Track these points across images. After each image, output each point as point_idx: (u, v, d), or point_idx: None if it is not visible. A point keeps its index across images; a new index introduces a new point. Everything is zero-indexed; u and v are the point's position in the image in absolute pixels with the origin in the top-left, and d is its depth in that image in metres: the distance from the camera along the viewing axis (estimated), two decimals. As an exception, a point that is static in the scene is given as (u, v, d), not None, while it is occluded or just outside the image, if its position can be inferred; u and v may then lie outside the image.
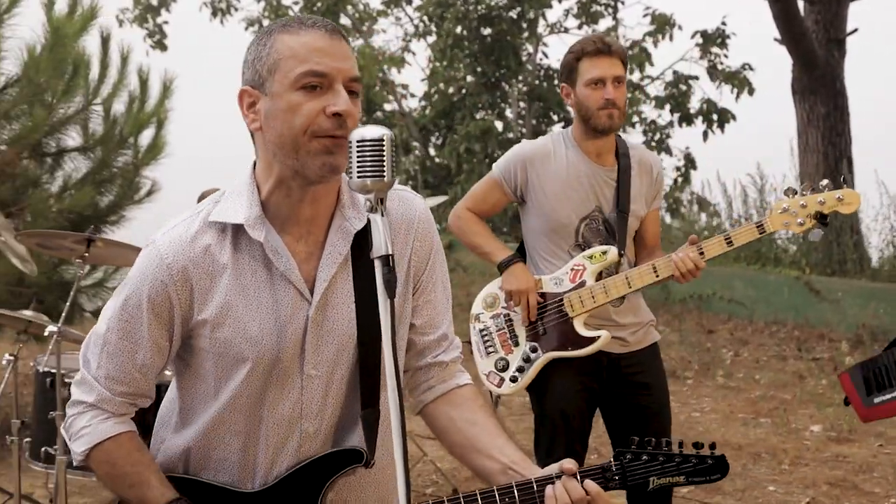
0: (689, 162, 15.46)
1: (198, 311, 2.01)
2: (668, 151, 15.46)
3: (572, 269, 3.66)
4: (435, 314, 2.19)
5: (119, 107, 7.18)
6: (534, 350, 3.67)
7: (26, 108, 6.73)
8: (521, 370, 3.68)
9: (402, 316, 2.12)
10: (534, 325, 3.69)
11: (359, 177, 1.78)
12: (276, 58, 1.93)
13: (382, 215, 1.78)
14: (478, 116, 15.09)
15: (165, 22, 15.29)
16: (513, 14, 15.06)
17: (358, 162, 1.79)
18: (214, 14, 15.66)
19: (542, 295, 3.67)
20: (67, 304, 4.50)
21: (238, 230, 2.01)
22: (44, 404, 4.42)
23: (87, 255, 4.55)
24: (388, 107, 16.04)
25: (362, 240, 2.01)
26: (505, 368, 3.71)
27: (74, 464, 2.11)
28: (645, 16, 15.14)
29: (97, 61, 7.10)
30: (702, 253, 3.54)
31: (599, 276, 3.65)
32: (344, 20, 16.05)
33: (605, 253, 3.65)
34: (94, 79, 7.06)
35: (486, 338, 3.76)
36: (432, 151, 16.14)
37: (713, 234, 3.81)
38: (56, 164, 7.20)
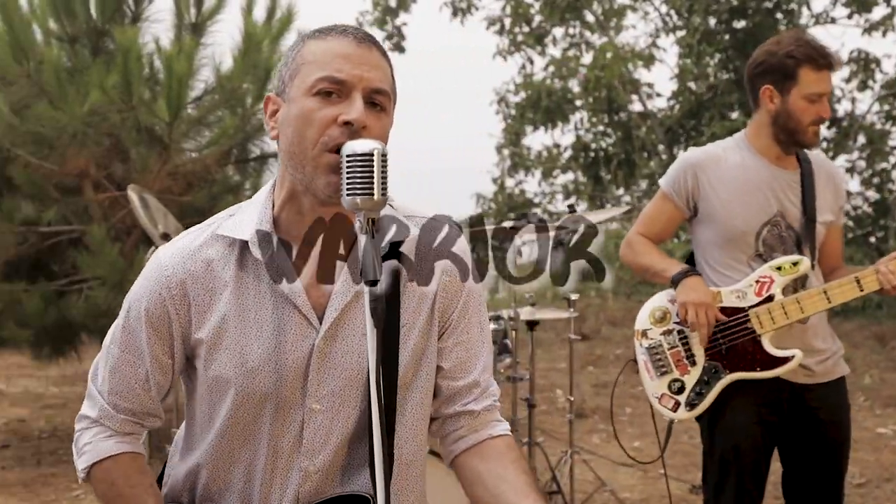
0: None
1: (195, 328, 1.95)
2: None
3: (757, 282, 3.38)
4: (467, 358, 2.06)
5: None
6: (714, 370, 3.39)
7: (223, 114, 6.88)
8: (699, 393, 3.41)
9: (422, 355, 1.99)
10: (714, 343, 3.40)
11: (348, 194, 1.72)
12: (300, 63, 1.89)
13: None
14: (733, 117, 14.26)
15: (404, 24, 15.52)
16: (768, 4, 14.12)
17: (347, 178, 1.73)
18: (455, 14, 15.73)
19: (723, 310, 3.39)
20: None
21: (245, 246, 1.95)
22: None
23: None
24: (632, 107, 15.49)
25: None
26: (681, 391, 3.43)
27: (80, 480, 2.08)
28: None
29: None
30: None
31: (786, 291, 3.35)
32: (588, 17, 15.68)
33: (796, 264, 3.35)
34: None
35: (656, 356, 3.48)
36: (680, 154, 15.44)
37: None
38: (257, 171, 7.33)
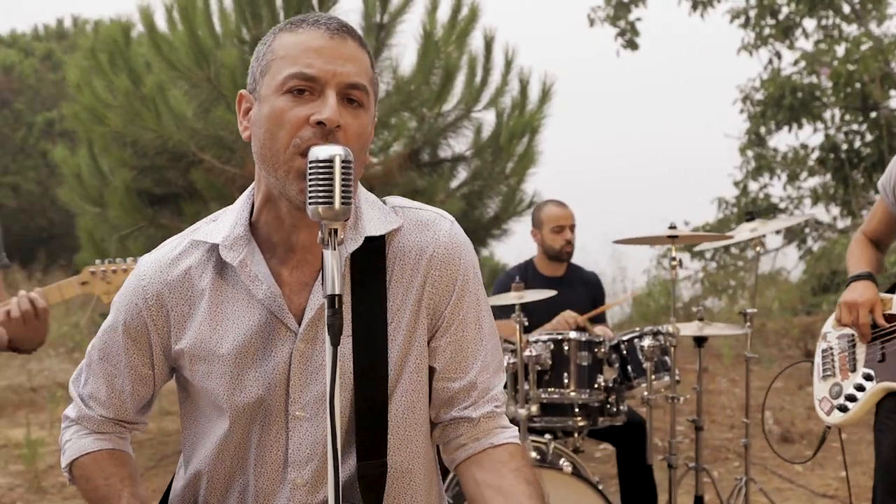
0: None
1: (175, 339, 1.93)
2: None
3: None
4: (462, 357, 1.98)
5: (494, 115, 7.03)
6: (868, 378, 3.28)
7: (404, 116, 6.81)
8: (851, 399, 3.32)
9: (406, 356, 1.92)
10: (874, 349, 3.29)
11: (310, 203, 1.64)
12: (270, 59, 1.83)
13: (334, 248, 1.63)
14: None
15: (638, 19, 14.98)
16: None
17: (310, 186, 1.65)
18: (694, 7, 15.04)
19: (889, 317, 3.25)
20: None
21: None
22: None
23: None
24: (890, 104, 14.27)
25: (367, 265, 1.90)
26: (838, 395, 3.38)
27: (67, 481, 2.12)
28: None
29: (479, 66, 7.01)
30: None
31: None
32: (844, 7, 14.59)
33: None
34: (476, 83, 6.98)
35: (826, 360, 3.46)
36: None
37: None
38: (442, 174, 7.23)
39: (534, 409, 4.42)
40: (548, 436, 4.54)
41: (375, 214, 1.93)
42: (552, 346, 4.59)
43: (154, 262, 1.96)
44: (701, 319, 4.77)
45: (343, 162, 1.65)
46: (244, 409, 1.88)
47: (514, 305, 4.38)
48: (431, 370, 1.98)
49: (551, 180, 7.41)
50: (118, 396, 2.00)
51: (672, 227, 4.48)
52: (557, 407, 4.64)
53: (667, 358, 4.64)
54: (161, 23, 6.48)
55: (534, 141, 6.88)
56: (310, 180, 1.64)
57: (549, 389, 4.59)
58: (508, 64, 7.05)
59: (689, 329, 4.71)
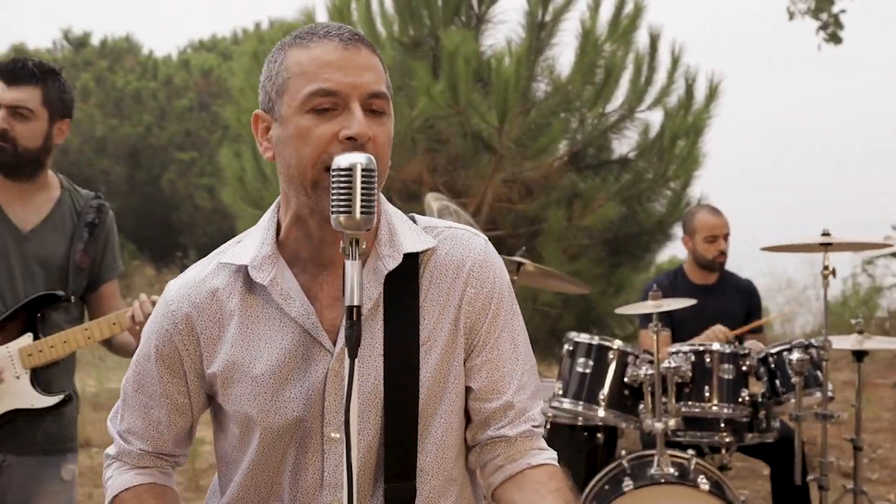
0: None
1: (207, 363, 1.91)
2: None
3: None
4: (499, 377, 1.94)
5: (660, 115, 6.84)
6: None
7: (561, 118, 6.72)
8: None
9: (446, 376, 1.90)
10: None
11: (332, 212, 1.66)
12: (285, 77, 1.81)
13: (355, 259, 1.65)
14: None
15: (842, 11, 14.25)
16: None
17: (332, 195, 1.67)
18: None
19: None
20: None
21: (249, 273, 1.90)
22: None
23: (515, 278, 4.46)
24: None
25: (401, 284, 1.88)
26: None
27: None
28: None
29: (644, 64, 6.84)
30: None
31: None
32: None
33: None
34: (641, 83, 6.81)
35: None
36: None
37: None
38: (598, 176, 7.10)
39: (672, 422, 4.27)
40: (690, 451, 4.38)
41: (408, 232, 1.92)
42: (693, 358, 4.42)
43: (181, 285, 1.95)
44: (860, 332, 4.49)
45: (364, 170, 1.65)
46: (279, 432, 1.86)
47: (658, 314, 4.24)
48: (467, 390, 1.94)
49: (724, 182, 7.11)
50: (155, 428, 1.98)
51: (825, 234, 4.24)
52: (702, 421, 4.48)
53: (818, 373, 4.41)
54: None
55: (699, 142, 6.64)
56: (332, 190, 1.65)
57: (689, 403, 4.42)
58: (675, 62, 6.83)
59: (846, 342, 4.45)
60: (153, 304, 3.02)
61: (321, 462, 1.86)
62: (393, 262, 1.86)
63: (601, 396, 4.48)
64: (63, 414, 3.27)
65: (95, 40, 18.45)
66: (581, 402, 4.51)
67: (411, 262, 1.89)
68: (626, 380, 4.45)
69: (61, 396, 3.21)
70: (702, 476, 4.17)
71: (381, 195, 1.95)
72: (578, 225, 6.48)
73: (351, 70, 1.77)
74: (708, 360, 4.42)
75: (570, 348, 4.59)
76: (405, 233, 1.91)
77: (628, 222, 6.91)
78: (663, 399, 4.23)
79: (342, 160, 1.66)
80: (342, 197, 1.65)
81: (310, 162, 1.76)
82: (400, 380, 1.84)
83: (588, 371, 4.50)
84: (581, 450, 4.77)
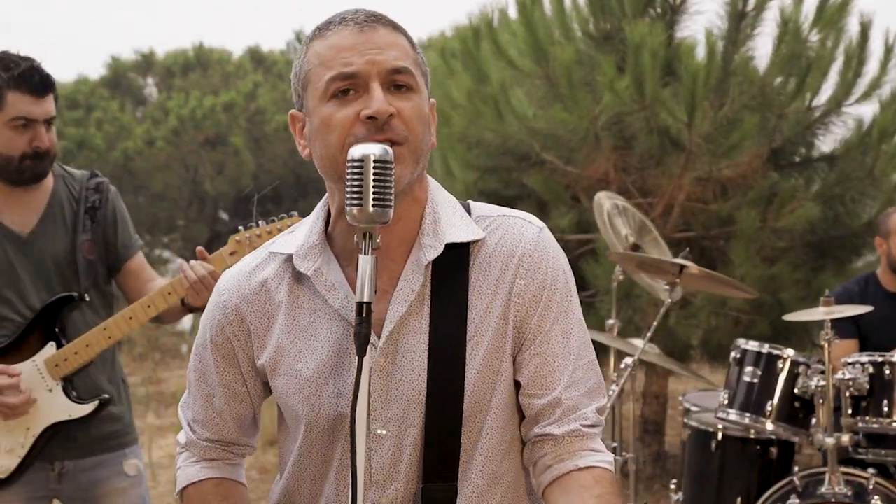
0: None
1: (258, 354, 1.92)
2: None
3: None
4: (548, 372, 1.86)
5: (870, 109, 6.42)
6: None
7: (762, 112, 6.42)
8: None
9: (496, 372, 1.84)
10: None
11: (346, 205, 1.66)
12: (307, 69, 1.82)
13: (368, 253, 1.65)
14: None
15: None
16: None
17: (346, 187, 1.66)
18: None
19: None
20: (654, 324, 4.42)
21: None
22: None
23: (677, 281, 4.33)
24: None
25: (449, 276, 1.84)
26: None
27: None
28: None
29: (854, 56, 6.44)
30: None
31: None
32: None
33: None
34: (849, 76, 6.42)
35: None
36: None
37: None
38: (801, 174, 6.75)
39: (846, 438, 4.00)
40: (871, 470, 4.09)
41: (457, 221, 1.87)
42: (871, 369, 4.12)
43: (233, 275, 1.96)
44: None
45: (377, 161, 1.64)
46: (324, 426, 1.85)
47: (836, 321, 4.00)
48: (517, 385, 1.88)
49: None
50: (219, 416, 1.99)
51: None
52: (886, 438, 4.18)
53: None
54: (508, 18, 6.61)
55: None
56: (346, 181, 1.66)
57: (867, 417, 4.13)
58: (888, 52, 6.38)
59: None
60: (209, 272, 2.99)
61: (367, 458, 1.83)
62: (434, 252, 1.82)
63: (768, 408, 4.26)
64: (109, 412, 3.22)
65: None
66: (748, 414, 4.32)
67: (461, 253, 1.85)
68: (796, 391, 4.22)
69: (96, 403, 3.16)
70: (877, 497, 3.89)
71: (433, 180, 1.93)
72: (773, 226, 6.16)
73: (367, 50, 1.76)
74: (888, 371, 4.11)
75: (738, 356, 4.40)
76: (452, 222, 1.86)
77: (833, 224, 6.51)
78: (837, 412, 3.98)
79: (355, 151, 1.65)
80: (354, 189, 1.64)
81: (337, 149, 1.76)
82: (444, 376, 1.81)
83: (756, 381, 4.31)
84: (753, 464, 4.56)
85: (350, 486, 1.64)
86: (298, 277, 1.88)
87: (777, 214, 6.14)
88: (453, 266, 1.84)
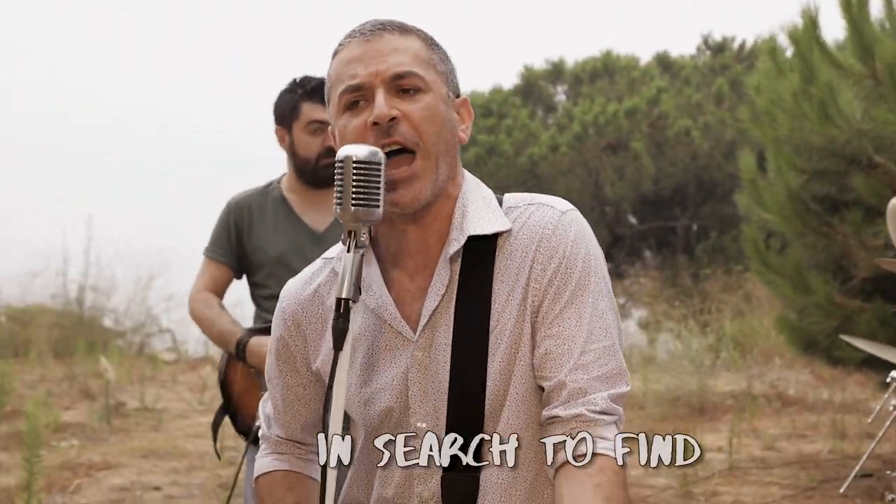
0: None
1: (313, 359, 2.00)
2: None
3: None
4: (557, 354, 1.82)
5: None
6: None
7: None
8: None
9: (514, 362, 1.85)
10: None
11: (334, 203, 1.74)
12: (328, 87, 1.92)
13: (351, 251, 1.71)
14: None
15: None
16: None
17: (334, 187, 1.75)
18: None
19: None
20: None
21: None
22: None
23: None
24: None
25: (473, 269, 1.87)
26: None
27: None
28: None
29: None
30: None
31: None
32: None
33: None
34: None
35: None
36: None
37: None
38: None
39: None
40: None
41: (486, 214, 1.89)
42: None
43: (294, 283, 2.03)
44: None
45: (357, 162, 1.68)
46: (372, 422, 1.92)
47: None
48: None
49: None
50: (286, 415, 2.08)
51: None
52: None
53: None
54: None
55: None
56: (335, 180, 1.72)
57: None
58: None
59: None
60: None
61: (411, 453, 1.88)
62: (455, 246, 1.86)
63: None
64: None
65: (736, 45, 18.85)
66: None
67: (487, 246, 1.87)
68: None
69: None
70: None
71: (470, 175, 1.97)
72: None
73: (371, 60, 1.82)
74: None
75: None
76: (478, 215, 1.88)
77: None
78: None
79: (340, 152, 1.71)
80: (337, 189, 1.70)
81: None
82: (465, 370, 1.84)
83: None
84: None
85: (319, 484, 1.70)
86: None
87: None
88: (478, 258, 1.87)
